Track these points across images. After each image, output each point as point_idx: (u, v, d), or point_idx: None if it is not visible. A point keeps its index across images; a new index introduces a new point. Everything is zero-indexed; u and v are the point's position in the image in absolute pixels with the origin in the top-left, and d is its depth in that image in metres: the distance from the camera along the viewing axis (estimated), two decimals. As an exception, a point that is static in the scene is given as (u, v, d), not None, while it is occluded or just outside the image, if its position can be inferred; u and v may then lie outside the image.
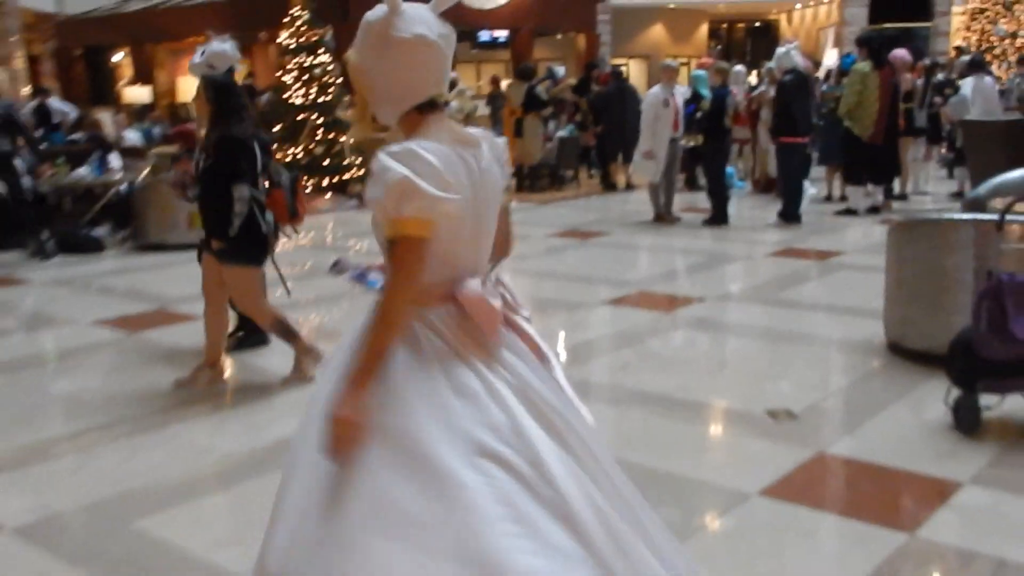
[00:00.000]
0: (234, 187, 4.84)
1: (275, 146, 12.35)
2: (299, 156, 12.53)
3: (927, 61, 13.92)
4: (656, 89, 10.64)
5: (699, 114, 11.01)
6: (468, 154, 2.10)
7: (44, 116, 13.85)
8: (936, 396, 4.57)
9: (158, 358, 5.76)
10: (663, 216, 10.80)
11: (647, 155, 10.39)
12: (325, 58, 12.92)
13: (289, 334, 5.24)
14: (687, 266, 8.74)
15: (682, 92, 10.96)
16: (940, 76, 13.55)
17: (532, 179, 14.24)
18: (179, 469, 4.09)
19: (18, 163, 9.77)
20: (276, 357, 5.57)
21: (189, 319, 6.58)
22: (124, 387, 5.24)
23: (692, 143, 11.64)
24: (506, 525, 1.89)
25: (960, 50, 19.08)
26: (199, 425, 4.67)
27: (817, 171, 12.55)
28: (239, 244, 4.94)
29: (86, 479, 4.02)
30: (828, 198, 12.12)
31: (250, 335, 5.89)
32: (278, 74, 13.20)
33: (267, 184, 5.16)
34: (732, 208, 10.68)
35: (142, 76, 19.91)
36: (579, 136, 14.81)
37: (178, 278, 7.84)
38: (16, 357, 6.06)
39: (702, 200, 11.44)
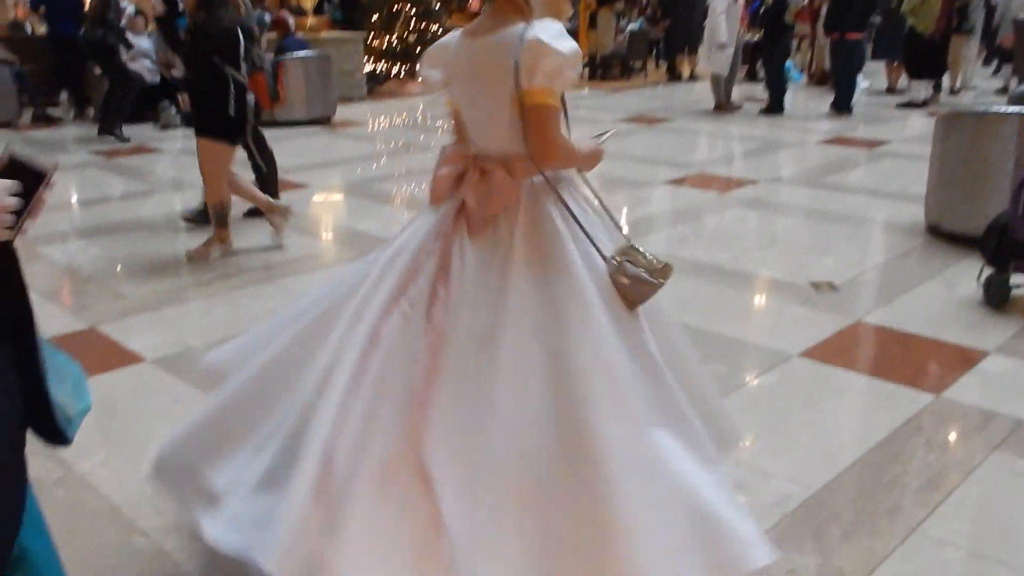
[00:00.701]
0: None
1: (372, 34, 12.22)
2: (394, 44, 12.31)
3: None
4: None
5: (762, 10, 10.58)
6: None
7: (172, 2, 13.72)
8: (969, 274, 4.45)
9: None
10: (723, 105, 10.48)
11: (721, 47, 10.00)
12: None
13: (220, 221, 5.09)
14: (743, 151, 8.52)
15: None
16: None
17: (604, 68, 13.91)
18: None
19: (145, 45, 9.79)
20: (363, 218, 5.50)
21: (300, 187, 6.72)
22: (240, 244, 5.32)
23: (755, 37, 11.26)
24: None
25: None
26: (308, 279, 4.74)
27: (871, 65, 12.00)
28: (217, 120, 4.85)
29: (212, 320, 4.14)
30: (890, 90, 11.62)
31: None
32: None
33: (251, 67, 5.02)
34: (788, 99, 10.33)
35: None
36: (648, 30, 14.37)
37: (289, 151, 7.84)
38: (151, 215, 6.19)
39: (760, 91, 11.08)
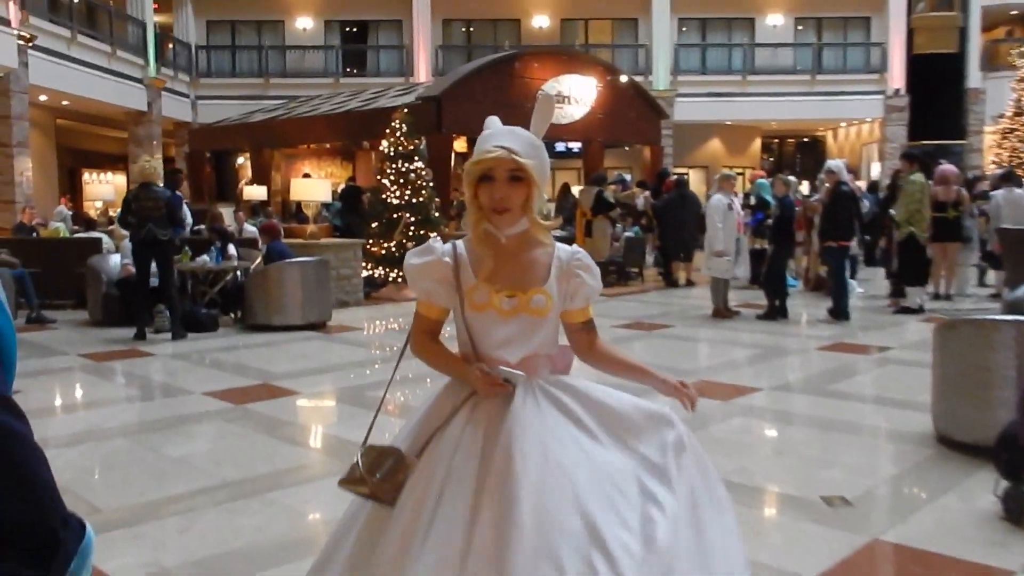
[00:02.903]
0: None
1: (370, 240, 12.57)
2: (393, 248, 12.59)
3: (971, 175, 13.70)
4: (719, 196, 10.50)
5: (769, 220, 10.92)
6: None
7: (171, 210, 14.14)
8: (985, 487, 4.32)
9: (260, 428, 5.69)
10: (722, 310, 10.57)
11: (719, 254, 10.24)
12: (419, 164, 13.06)
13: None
14: (745, 357, 8.46)
15: (736, 199, 10.92)
16: (983, 187, 13.29)
17: (600, 275, 14.24)
18: (276, 532, 3.99)
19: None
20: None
21: (290, 393, 6.56)
22: (228, 454, 5.17)
23: (759, 246, 11.53)
24: None
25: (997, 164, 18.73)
26: (295, 492, 4.58)
27: (866, 271, 12.22)
28: None
29: (192, 538, 3.95)
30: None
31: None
32: (378, 176, 13.37)
33: None
34: (788, 305, 10.45)
35: (260, 176, 20.36)
36: (644, 237, 14.78)
37: (281, 356, 7.84)
38: (137, 422, 6.07)
39: (756, 296, 11.18)
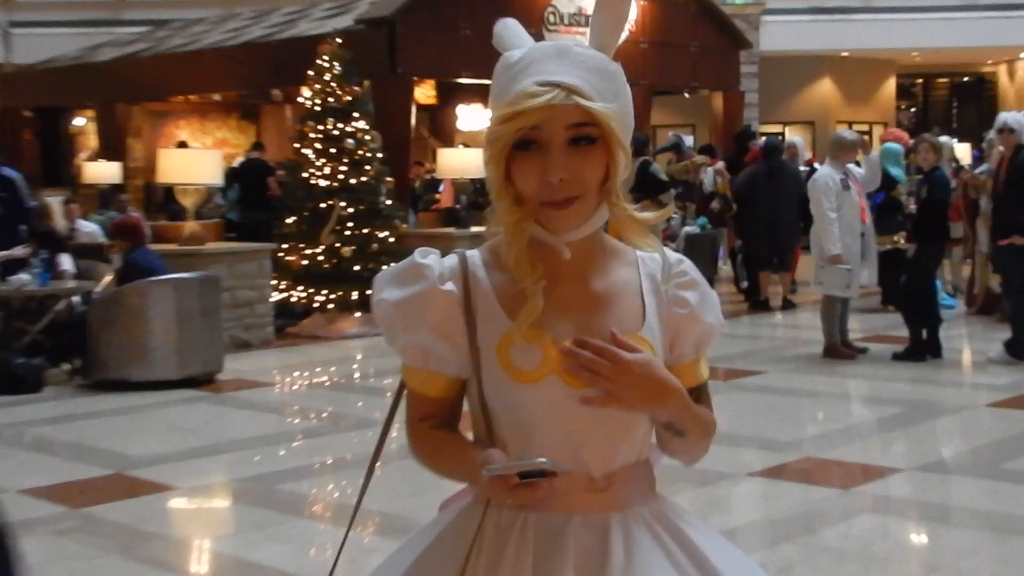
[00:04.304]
0: None
1: (285, 245, 10.28)
2: (320, 258, 10.03)
3: None
4: (826, 168, 8.27)
5: (911, 207, 9.01)
6: None
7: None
8: None
9: (110, 545, 4.94)
10: (838, 347, 8.43)
11: (834, 260, 8.07)
12: (361, 124, 10.17)
13: None
14: (875, 421, 7.07)
15: (858, 173, 8.77)
16: None
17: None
18: None
19: None
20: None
21: (158, 489, 5.66)
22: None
23: (889, 245, 9.45)
24: None
25: None
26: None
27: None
28: None
29: None
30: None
31: None
32: (296, 145, 10.48)
33: None
34: (941, 335, 8.59)
35: (110, 147, 16.22)
36: (715, 232, 12.10)
37: (145, 430, 7.02)
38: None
39: (891, 323, 9.28)
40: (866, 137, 14.00)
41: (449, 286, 1.56)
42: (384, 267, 11.57)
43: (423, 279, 1.56)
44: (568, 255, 1.53)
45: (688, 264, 1.68)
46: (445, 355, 1.57)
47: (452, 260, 1.61)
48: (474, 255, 1.61)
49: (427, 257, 1.59)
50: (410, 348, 1.59)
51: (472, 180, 11.12)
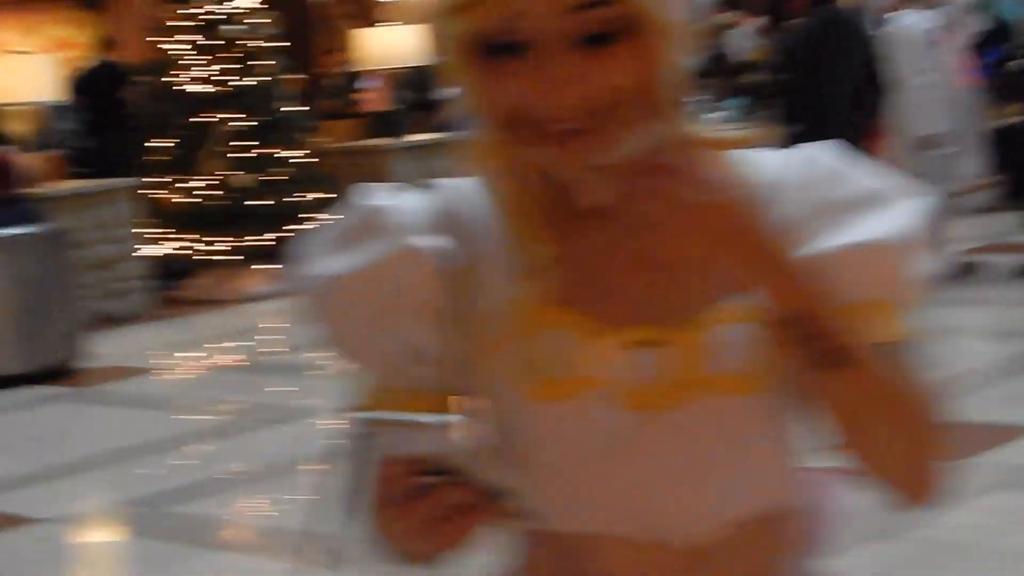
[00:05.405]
0: None
1: (156, 180, 8.79)
2: (203, 193, 8.54)
3: None
4: (912, 16, 7.22)
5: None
6: None
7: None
8: None
9: None
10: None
11: (926, 143, 7.07)
12: (246, 3, 8.66)
13: None
14: (998, 363, 6.37)
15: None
16: None
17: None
18: None
19: None
20: None
21: (14, 523, 5.10)
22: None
23: (1009, 120, 8.61)
24: None
25: None
26: None
27: None
28: None
29: None
30: None
31: None
32: (159, 42, 8.95)
33: None
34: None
35: None
36: (758, 112, 11.10)
37: None
38: None
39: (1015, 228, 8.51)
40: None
41: (424, 241, 1.09)
42: (295, 199, 10.02)
43: (383, 232, 1.07)
44: (610, 196, 1.03)
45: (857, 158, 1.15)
46: (427, 357, 1.13)
47: (421, 198, 1.15)
48: (457, 186, 1.15)
49: (380, 196, 1.11)
50: (374, 355, 1.11)
51: (412, 69, 9.36)
